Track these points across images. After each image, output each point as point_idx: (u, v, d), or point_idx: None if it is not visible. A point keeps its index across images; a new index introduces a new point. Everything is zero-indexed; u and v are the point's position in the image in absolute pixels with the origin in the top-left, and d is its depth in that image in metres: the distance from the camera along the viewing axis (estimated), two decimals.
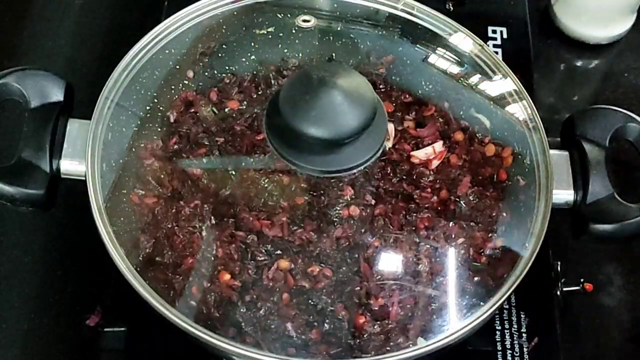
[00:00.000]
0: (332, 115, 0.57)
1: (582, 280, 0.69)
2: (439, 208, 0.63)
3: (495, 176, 0.65)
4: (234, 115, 0.65)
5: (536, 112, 0.67)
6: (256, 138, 0.63)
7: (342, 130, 0.57)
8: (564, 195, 0.65)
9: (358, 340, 0.60)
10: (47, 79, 0.65)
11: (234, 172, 0.63)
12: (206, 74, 0.68)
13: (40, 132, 0.63)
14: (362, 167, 0.60)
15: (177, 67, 0.68)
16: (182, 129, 0.65)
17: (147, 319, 0.61)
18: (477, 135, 0.66)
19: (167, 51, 0.68)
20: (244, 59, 0.68)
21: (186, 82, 0.67)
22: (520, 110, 0.67)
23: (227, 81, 0.67)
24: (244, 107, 0.65)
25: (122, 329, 0.67)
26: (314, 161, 0.59)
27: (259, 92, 0.66)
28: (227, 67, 0.68)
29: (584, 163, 0.65)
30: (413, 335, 0.60)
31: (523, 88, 0.68)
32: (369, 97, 0.58)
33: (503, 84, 0.68)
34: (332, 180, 0.62)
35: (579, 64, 0.89)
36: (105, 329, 0.68)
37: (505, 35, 0.81)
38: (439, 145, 0.65)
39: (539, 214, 0.63)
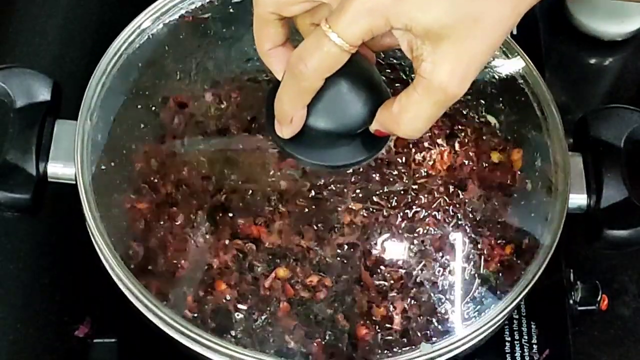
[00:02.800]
0: (338, 106, 0.55)
1: (598, 299, 0.69)
2: (445, 212, 0.63)
3: (505, 179, 0.65)
4: (231, 112, 0.65)
5: (552, 109, 0.67)
6: (257, 136, 0.63)
7: (350, 121, 0.55)
8: (577, 199, 0.65)
9: (360, 352, 0.60)
10: (33, 77, 0.65)
11: (231, 176, 0.63)
12: (201, 67, 0.67)
13: (26, 133, 0.63)
14: (370, 159, 0.58)
15: (170, 61, 0.67)
16: (176, 129, 0.65)
17: (138, 330, 0.61)
18: (487, 135, 0.67)
19: (157, 44, 0.68)
20: (239, 51, 0.67)
21: (180, 77, 0.67)
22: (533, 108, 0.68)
23: (223, 75, 0.67)
24: (241, 102, 0.65)
25: (113, 340, 0.67)
26: (319, 155, 0.58)
27: (257, 86, 0.65)
28: (222, 60, 0.67)
29: (598, 165, 0.65)
30: (417, 346, 0.60)
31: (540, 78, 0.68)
32: (377, 85, 0.57)
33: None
34: (333, 184, 0.62)
35: (592, 61, 0.88)
36: (95, 340, 0.68)
37: (514, 32, 0.80)
38: (446, 145, 0.65)
39: (552, 219, 0.63)
